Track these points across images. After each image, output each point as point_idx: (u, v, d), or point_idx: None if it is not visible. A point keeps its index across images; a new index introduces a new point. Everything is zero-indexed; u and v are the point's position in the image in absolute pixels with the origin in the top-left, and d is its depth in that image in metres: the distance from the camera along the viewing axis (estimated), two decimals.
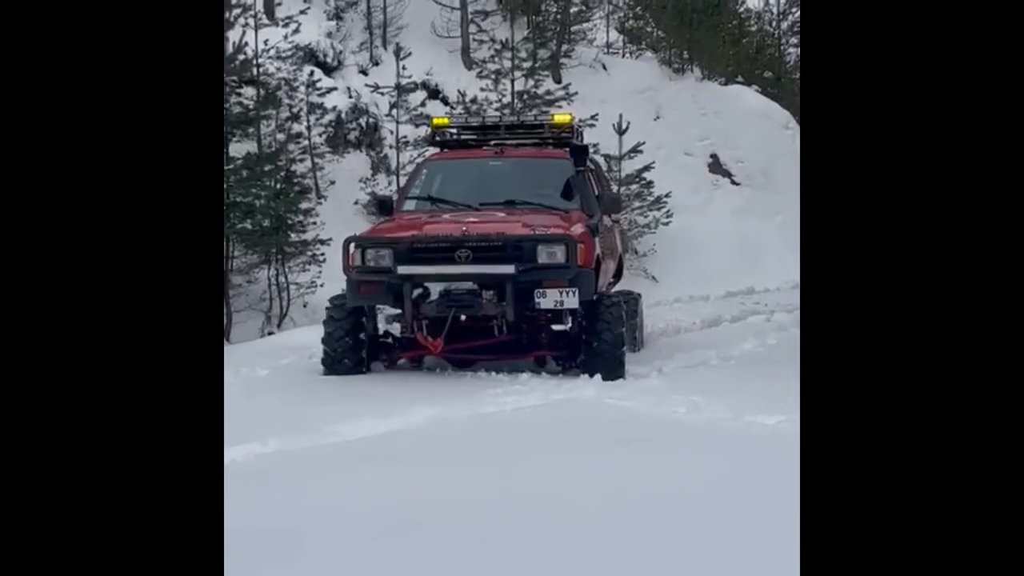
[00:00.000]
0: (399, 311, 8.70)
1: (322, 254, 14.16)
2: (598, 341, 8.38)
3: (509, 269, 8.15)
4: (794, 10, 31.62)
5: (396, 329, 8.96)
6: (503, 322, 8.45)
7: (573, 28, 22.57)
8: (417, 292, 8.36)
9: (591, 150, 11.32)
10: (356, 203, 16.75)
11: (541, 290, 8.14)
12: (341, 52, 19.17)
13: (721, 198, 20.17)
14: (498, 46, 19.72)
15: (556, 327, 8.66)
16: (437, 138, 10.90)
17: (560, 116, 10.72)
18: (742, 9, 29.77)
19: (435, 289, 8.33)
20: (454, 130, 10.89)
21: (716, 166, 21.25)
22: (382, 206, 9.80)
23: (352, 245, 8.58)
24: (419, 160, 13.26)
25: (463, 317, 8.34)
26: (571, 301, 8.15)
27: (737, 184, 21.06)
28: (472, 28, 20.94)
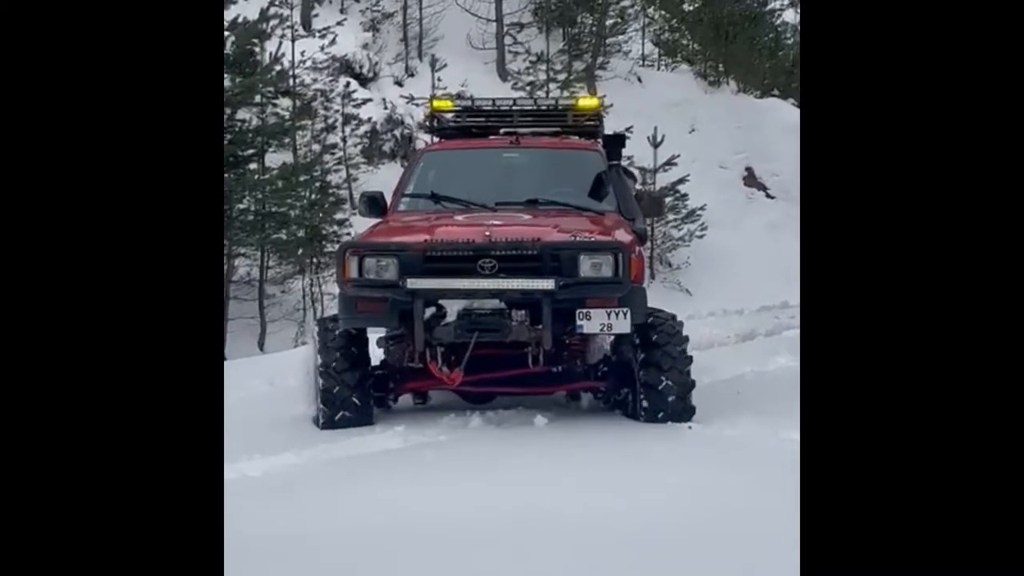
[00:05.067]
0: (395, 335, 7.23)
1: None
2: (658, 376, 6.79)
3: (548, 284, 6.44)
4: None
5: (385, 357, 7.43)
6: (538, 350, 6.76)
7: (608, 40, 22.59)
8: (430, 312, 6.64)
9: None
10: None
11: (584, 311, 6.50)
12: (377, 63, 19.28)
13: (756, 211, 20.10)
14: (533, 58, 19.82)
15: (592, 354, 7.27)
16: (436, 124, 9.05)
17: (586, 100, 9.00)
18: (778, 22, 29.70)
19: (452, 308, 6.64)
20: (458, 115, 8.87)
21: (751, 179, 21.19)
22: (372, 204, 7.80)
23: (348, 252, 6.74)
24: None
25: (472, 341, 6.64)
26: (621, 324, 6.55)
27: (772, 197, 20.98)
28: (508, 40, 21.00)
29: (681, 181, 18.03)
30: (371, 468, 5.69)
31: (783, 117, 22.90)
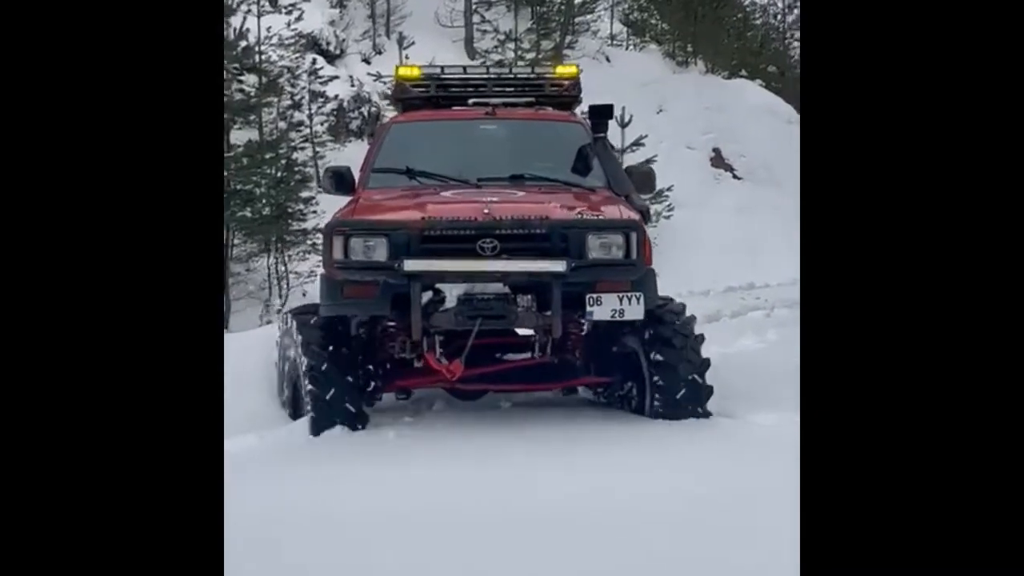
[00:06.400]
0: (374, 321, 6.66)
1: (321, 243, 14.14)
2: (673, 373, 6.26)
3: (558, 266, 5.91)
4: (798, 4, 31.57)
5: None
6: (546, 339, 6.30)
7: (577, 19, 22.53)
8: (427, 297, 6.09)
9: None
10: None
11: (595, 295, 5.97)
12: (344, 40, 19.14)
13: (723, 192, 20.14)
14: (502, 36, 19.74)
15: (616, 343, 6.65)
16: (401, 95, 8.17)
17: (565, 67, 8.31)
18: (747, 3, 29.76)
19: (451, 293, 6.08)
20: (425, 86, 7.95)
21: (719, 160, 21.23)
22: (339, 180, 7.06)
23: (334, 231, 6.15)
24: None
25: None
26: (634, 310, 6.00)
27: (739, 179, 21.03)
28: (476, 18, 20.93)
29: (649, 161, 18.02)
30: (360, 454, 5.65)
31: (751, 98, 22.97)
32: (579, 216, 6.15)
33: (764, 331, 11.14)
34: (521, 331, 6.57)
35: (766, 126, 22.01)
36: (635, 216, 6.30)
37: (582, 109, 8.11)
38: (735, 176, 21.06)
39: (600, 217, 6.20)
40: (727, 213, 19.08)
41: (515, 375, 6.67)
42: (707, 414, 6.23)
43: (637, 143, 17.87)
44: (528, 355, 6.60)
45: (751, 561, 3.54)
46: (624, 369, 6.68)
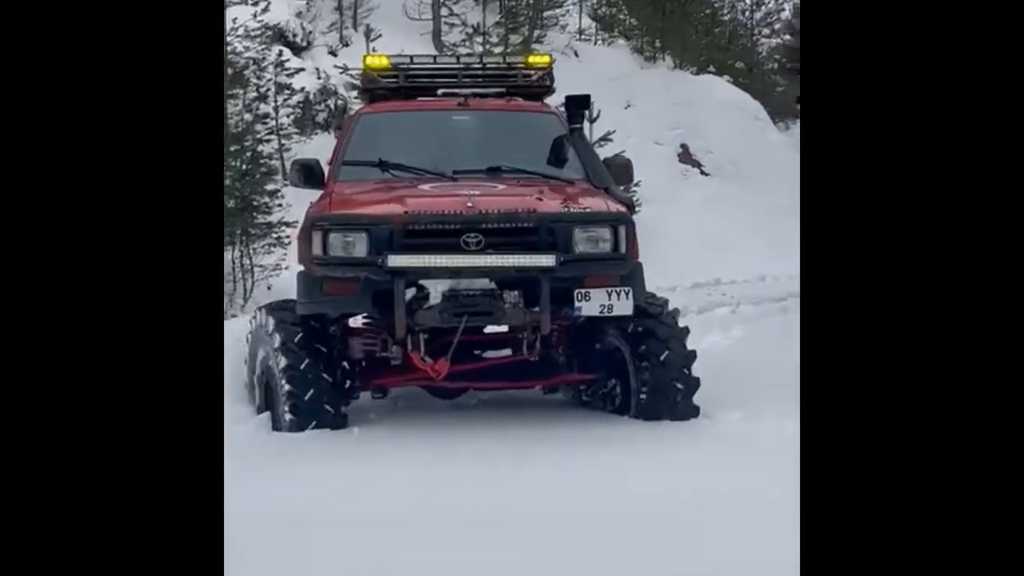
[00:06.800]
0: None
1: (287, 236, 14.03)
2: (662, 370, 6.09)
3: (547, 260, 5.74)
4: (767, 1, 31.68)
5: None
6: (534, 336, 6.09)
7: (545, 14, 22.50)
8: (410, 293, 5.86)
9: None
10: None
11: (583, 290, 5.81)
12: (310, 32, 19.02)
13: (690, 188, 20.19)
14: (470, 30, 19.66)
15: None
16: (369, 85, 7.80)
17: (537, 57, 8.02)
18: None
19: (436, 289, 5.87)
20: (395, 76, 7.56)
21: (686, 156, 21.27)
22: (308, 173, 6.80)
23: (314, 226, 5.94)
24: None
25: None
26: (623, 306, 5.84)
27: (707, 174, 21.08)
28: (444, 11, 20.83)
29: (616, 156, 18.04)
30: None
31: (719, 94, 23.02)
32: (567, 209, 5.97)
33: (730, 328, 11.14)
34: (497, 328, 6.43)
35: (734, 122, 22.08)
36: (623, 209, 6.18)
37: (557, 101, 7.98)
38: (702, 172, 21.11)
39: (589, 210, 6.02)
40: (694, 209, 19.10)
41: (497, 373, 6.47)
42: (695, 409, 6.13)
43: (605, 138, 17.86)
44: (507, 352, 6.46)
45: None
46: (607, 366, 6.49)
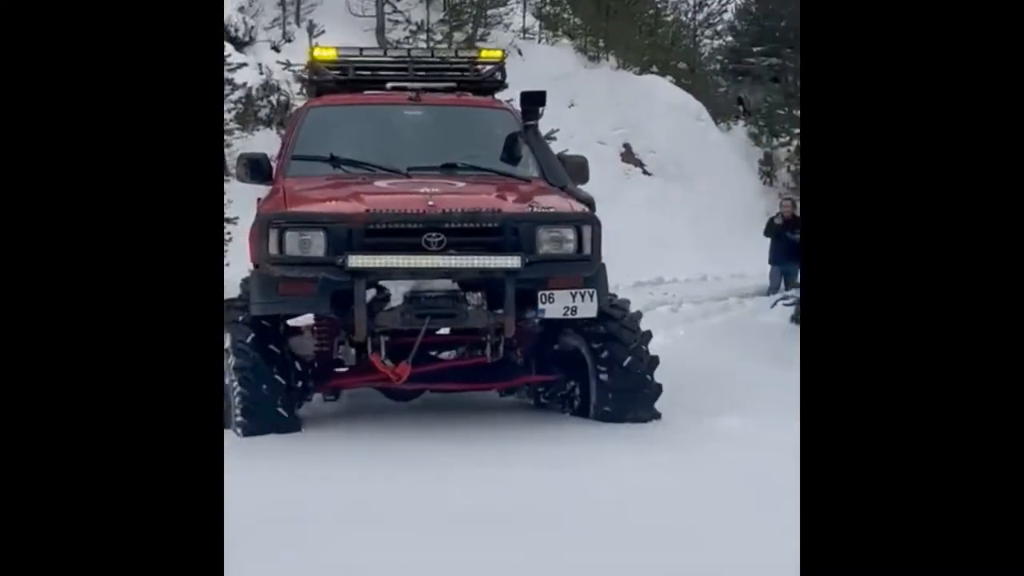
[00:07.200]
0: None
1: (228, 233, 13.90)
2: (623, 373, 6.00)
3: (512, 262, 5.59)
4: (709, 2, 31.92)
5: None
6: (498, 339, 5.96)
7: (489, 11, 22.47)
8: (371, 295, 5.69)
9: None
10: None
11: (547, 292, 5.69)
12: (253, 28, 18.83)
13: (633, 188, 20.27)
14: (413, 27, 19.60)
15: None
16: (315, 78, 7.63)
17: (490, 51, 7.91)
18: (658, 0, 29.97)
19: (397, 291, 5.73)
20: (343, 69, 7.41)
21: (629, 156, 21.36)
22: (255, 168, 6.57)
23: (271, 224, 5.66)
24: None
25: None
26: (587, 307, 5.75)
27: (649, 174, 21.18)
28: (387, 8, 20.73)
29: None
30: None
31: (662, 94, 23.14)
32: (531, 209, 5.83)
33: (673, 327, 11.23)
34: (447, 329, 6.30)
35: (676, 122, 22.21)
36: (587, 209, 6.05)
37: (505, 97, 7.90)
38: (645, 172, 21.21)
39: (553, 210, 5.87)
40: (637, 209, 19.19)
41: (456, 374, 6.34)
42: (656, 414, 6.07)
43: (548, 137, 17.74)
44: (460, 353, 6.36)
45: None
46: (566, 368, 6.39)
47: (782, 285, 13.88)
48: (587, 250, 5.77)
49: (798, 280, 12.99)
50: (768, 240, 14.57)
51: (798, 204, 18.03)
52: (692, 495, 4.38)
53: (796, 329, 11.73)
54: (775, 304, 12.47)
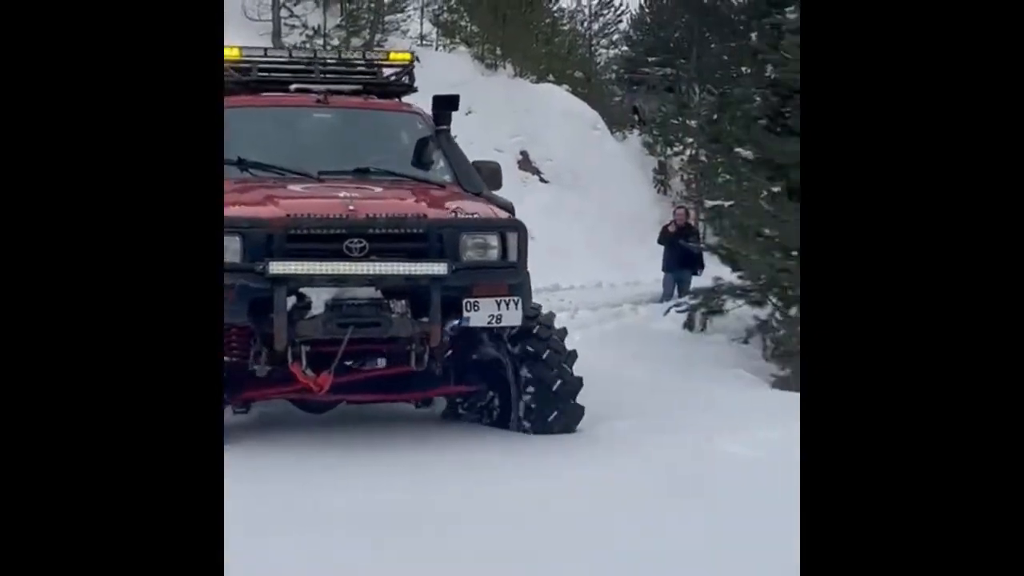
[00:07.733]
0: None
1: None
2: (546, 387, 5.93)
3: (439, 268, 5.48)
4: (605, 12, 32.30)
5: None
6: (423, 348, 5.81)
7: (387, 18, 22.44)
8: (291, 303, 5.51)
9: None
10: None
11: (472, 300, 5.58)
12: None
13: (530, 195, 20.38)
14: (310, 32, 19.48)
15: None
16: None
17: (398, 54, 7.69)
18: (555, 9, 30.23)
19: (319, 298, 5.56)
20: (246, 69, 7.19)
21: (526, 163, 21.50)
22: None
23: None
24: None
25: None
26: (512, 316, 5.64)
27: (546, 182, 21.35)
28: (284, 12, 20.58)
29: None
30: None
31: (558, 103, 23.35)
32: (455, 215, 5.68)
33: (569, 333, 11.30)
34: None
35: (572, 131, 22.42)
36: (511, 216, 5.93)
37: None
38: (542, 179, 21.37)
39: (478, 216, 5.72)
40: (534, 216, 19.21)
41: (375, 385, 6.12)
42: (575, 429, 5.96)
43: None
44: (379, 363, 6.08)
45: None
46: (486, 378, 6.23)
47: (675, 292, 14.09)
48: (512, 257, 5.62)
49: (690, 288, 13.22)
50: (662, 248, 14.77)
51: (691, 212, 18.36)
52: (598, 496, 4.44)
53: (687, 335, 11.96)
54: (668, 311, 12.70)
